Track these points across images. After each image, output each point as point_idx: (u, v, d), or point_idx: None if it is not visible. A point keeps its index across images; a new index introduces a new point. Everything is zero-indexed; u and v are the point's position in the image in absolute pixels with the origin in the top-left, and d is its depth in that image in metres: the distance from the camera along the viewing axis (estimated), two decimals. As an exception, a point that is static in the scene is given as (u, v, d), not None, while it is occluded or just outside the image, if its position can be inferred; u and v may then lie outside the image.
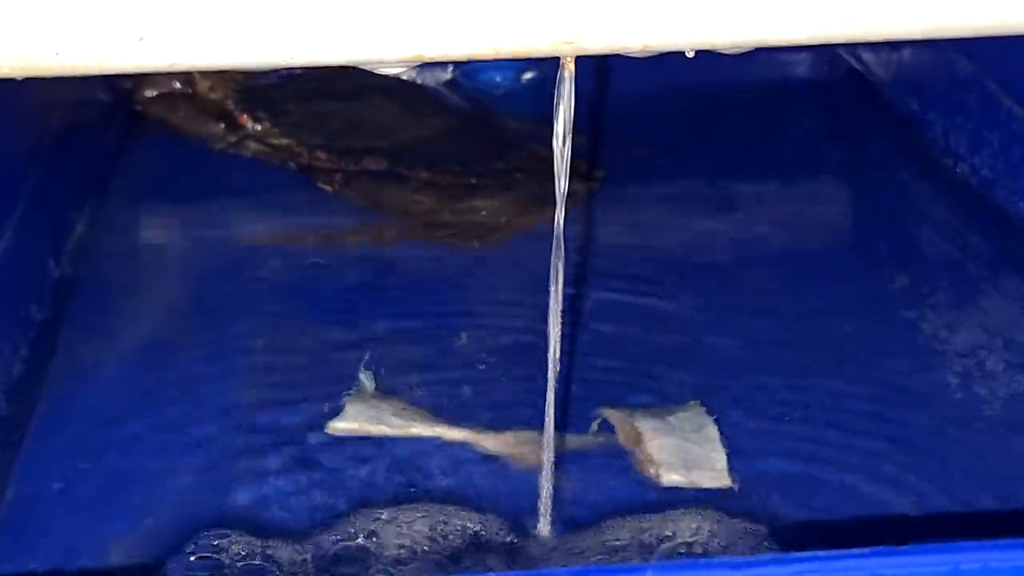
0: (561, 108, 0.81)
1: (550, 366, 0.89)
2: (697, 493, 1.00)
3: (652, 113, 1.70)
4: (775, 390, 1.14)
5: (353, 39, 0.71)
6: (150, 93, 1.63)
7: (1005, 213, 1.37)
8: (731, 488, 1.01)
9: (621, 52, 0.75)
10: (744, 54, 1.62)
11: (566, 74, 0.81)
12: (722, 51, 0.79)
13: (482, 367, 1.17)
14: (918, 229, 1.43)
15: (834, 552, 0.59)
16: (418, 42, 0.72)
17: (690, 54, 0.78)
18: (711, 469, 1.03)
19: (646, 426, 1.07)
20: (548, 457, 0.92)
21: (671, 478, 1.02)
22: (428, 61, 0.73)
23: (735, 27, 0.73)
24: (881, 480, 1.03)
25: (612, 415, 1.09)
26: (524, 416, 1.08)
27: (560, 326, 0.88)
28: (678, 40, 0.74)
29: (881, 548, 0.60)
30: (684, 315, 1.26)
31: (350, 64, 0.74)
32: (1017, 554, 0.60)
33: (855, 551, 0.59)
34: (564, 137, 0.82)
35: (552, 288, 0.87)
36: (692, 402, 1.11)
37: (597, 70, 1.67)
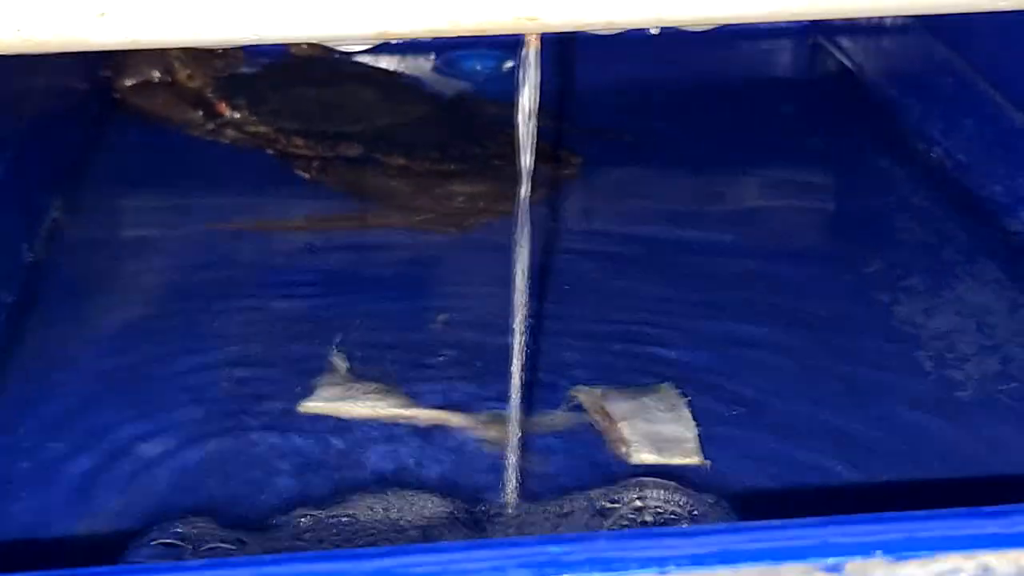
0: (526, 86, 0.82)
1: (515, 343, 0.89)
2: (667, 471, 1.00)
3: (633, 102, 1.70)
4: (748, 371, 1.14)
5: (317, 15, 0.71)
6: (129, 81, 1.64)
7: (979, 197, 1.37)
8: (702, 466, 1.01)
9: (585, 29, 0.74)
10: (724, 40, 1.63)
11: (530, 51, 0.81)
12: (686, 28, 0.80)
13: (457, 350, 1.17)
14: (893, 214, 1.43)
15: (787, 521, 0.60)
16: (380, 18, 0.72)
17: (654, 31, 0.78)
18: (682, 448, 1.03)
19: (617, 406, 1.07)
20: (514, 432, 0.92)
21: (642, 457, 1.02)
22: (391, 38, 0.73)
23: (698, 3, 0.73)
24: (852, 459, 1.03)
25: (584, 395, 1.09)
26: (497, 398, 1.08)
27: (525, 304, 0.88)
28: (641, 16, 0.74)
29: (832, 517, 0.60)
30: (658, 297, 1.26)
31: (314, 40, 0.74)
32: (968, 522, 0.60)
33: (804, 520, 0.59)
34: (528, 115, 0.82)
35: (516, 266, 0.87)
36: (664, 382, 1.11)
37: (580, 58, 1.67)
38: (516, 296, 0.87)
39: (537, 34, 0.80)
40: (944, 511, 0.61)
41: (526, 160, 0.83)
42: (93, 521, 0.96)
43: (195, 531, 0.93)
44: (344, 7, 0.71)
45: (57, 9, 0.69)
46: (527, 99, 0.82)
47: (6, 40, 0.70)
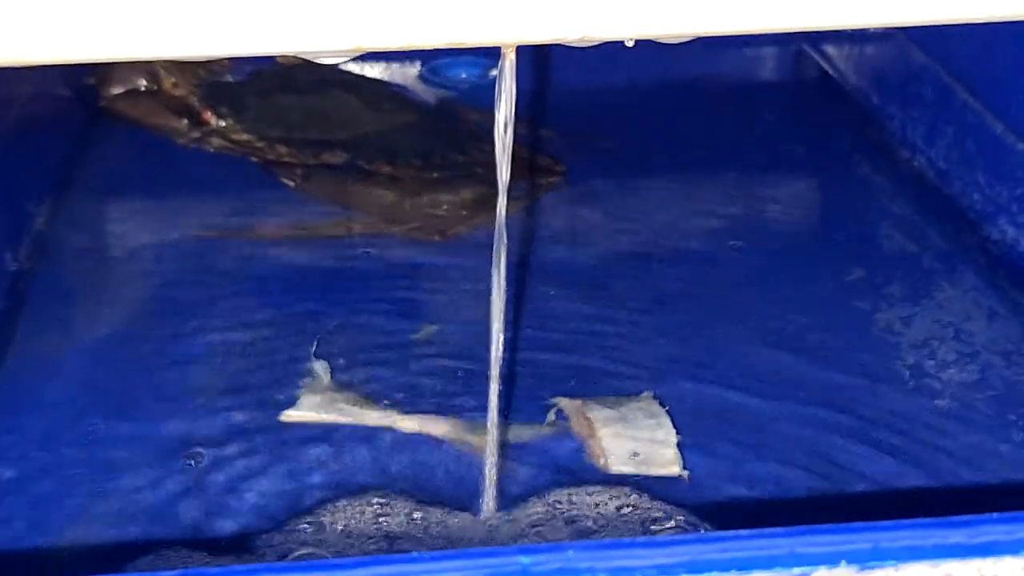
0: (502, 98, 0.82)
1: (492, 354, 0.89)
2: (647, 481, 1.01)
3: (616, 109, 1.71)
4: (729, 381, 1.15)
5: (290, 29, 0.71)
6: (114, 89, 1.64)
7: (959, 205, 1.38)
8: (681, 476, 1.02)
9: (560, 42, 0.75)
10: (707, 45, 1.63)
11: (506, 64, 0.81)
12: (661, 40, 0.80)
13: (440, 358, 1.18)
14: (875, 221, 1.44)
15: (755, 531, 0.60)
16: (356, 32, 0.72)
17: (629, 43, 0.78)
18: (662, 458, 1.04)
19: (599, 416, 1.07)
20: (492, 440, 0.93)
21: (622, 468, 1.03)
22: (368, 51, 0.74)
23: (673, 17, 0.74)
24: (829, 469, 1.04)
25: (566, 404, 1.10)
26: (479, 407, 1.09)
27: (503, 314, 0.89)
28: (616, 30, 0.75)
29: (800, 527, 0.60)
30: (640, 307, 1.26)
31: (287, 54, 0.75)
32: (934, 532, 0.61)
33: (772, 530, 0.60)
34: (505, 127, 0.83)
35: (495, 277, 0.87)
36: (645, 393, 1.12)
37: (560, 63, 1.68)
38: (494, 309, 0.88)
39: (513, 47, 0.81)
40: (909, 521, 0.62)
41: (504, 174, 0.83)
42: (79, 531, 0.97)
43: (176, 543, 0.94)
44: (318, 21, 0.71)
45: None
46: (504, 112, 0.82)
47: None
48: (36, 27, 0.68)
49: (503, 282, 0.88)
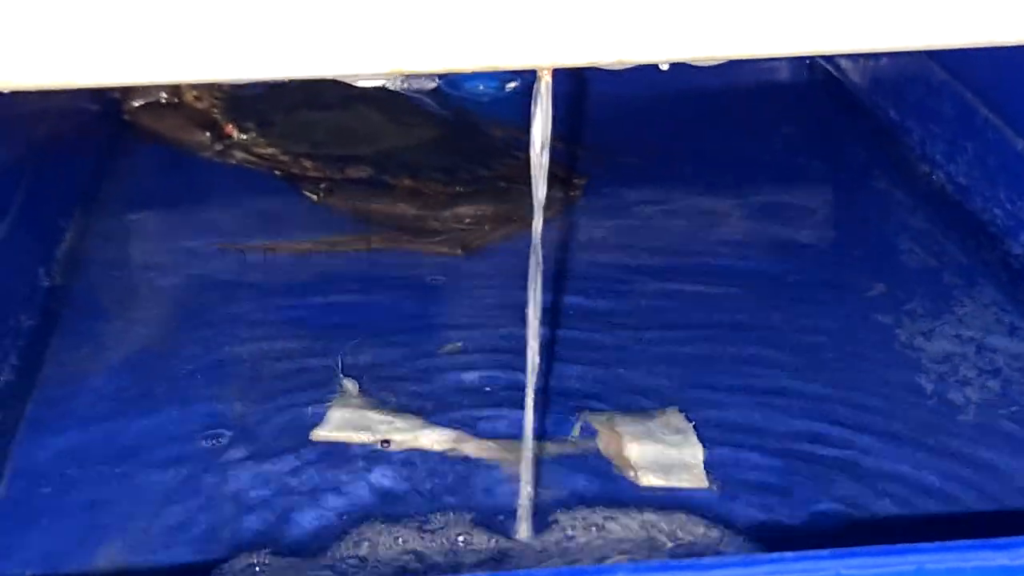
0: (538, 118, 0.83)
1: (528, 371, 0.90)
2: (676, 495, 1.02)
3: (632, 120, 1.72)
4: (753, 394, 1.16)
5: (330, 52, 0.72)
6: (138, 103, 1.65)
7: (980, 220, 1.39)
8: (709, 490, 1.03)
9: (596, 65, 0.76)
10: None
11: (543, 85, 0.82)
12: (694, 64, 0.81)
13: (466, 373, 1.19)
14: (895, 236, 1.44)
15: (800, 553, 0.61)
16: (395, 56, 0.73)
17: (664, 67, 0.79)
18: (689, 471, 1.05)
19: (626, 430, 1.08)
20: (527, 460, 0.94)
21: (650, 480, 1.04)
22: (406, 74, 0.75)
23: (706, 41, 0.75)
24: (856, 483, 1.05)
25: (593, 420, 1.11)
26: (507, 422, 1.10)
27: (538, 332, 0.90)
28: (652, 53, 0.76)
29: (845, 549, 0.61)
30: (663, 321, 1.27)
31: (328, 77, 0.76)
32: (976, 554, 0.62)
33: (818, 552, 0.61)
34: (541, 146, 0.83)
35: (530, 294, 0.88)
36: (671, 407, 1.13)
37: (577, 77, 1.69)
38: (530, 329, 0.88)
39: (549, 69, 0.81)
40: (954, 543, 0.62)
41: (540, 192, 0.84)
42: (115, 549, 0.97)
43: (208, 564, 0.94)
44: (358, 45, 0.72)
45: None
46: (540, 132, 0.83)
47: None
48: (83, 51, 0.69)
49: (539, 301, 0.88)
